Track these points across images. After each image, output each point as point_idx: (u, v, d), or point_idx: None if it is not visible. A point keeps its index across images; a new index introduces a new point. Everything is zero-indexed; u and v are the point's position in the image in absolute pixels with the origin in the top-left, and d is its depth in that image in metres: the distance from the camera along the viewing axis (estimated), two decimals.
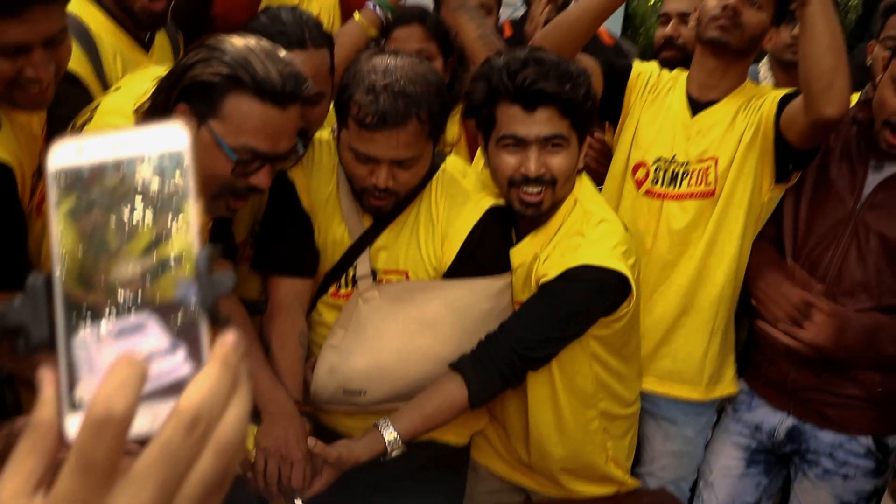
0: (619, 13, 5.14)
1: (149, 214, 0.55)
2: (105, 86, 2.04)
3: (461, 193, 1.99)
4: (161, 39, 2.31)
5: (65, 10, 1.67)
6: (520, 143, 1.89)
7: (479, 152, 2.15)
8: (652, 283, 2.28)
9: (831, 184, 2.23)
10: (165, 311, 0.55)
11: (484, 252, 1.96)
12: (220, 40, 1.65)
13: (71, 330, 0.55)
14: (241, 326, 1.88)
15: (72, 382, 0.54)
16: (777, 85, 2.91)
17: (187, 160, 0.56)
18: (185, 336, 0.55)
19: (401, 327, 1.95)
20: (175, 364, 0.54)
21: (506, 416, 2.11)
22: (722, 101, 2.28)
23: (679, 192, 2.28)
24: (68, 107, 1.84)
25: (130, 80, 1.90)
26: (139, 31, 2.19)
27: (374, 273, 1.98)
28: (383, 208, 1.91)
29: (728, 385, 2.36)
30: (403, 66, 1.81)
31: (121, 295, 0.55)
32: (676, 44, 2.80)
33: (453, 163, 2.06)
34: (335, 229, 2.01)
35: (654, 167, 2.31)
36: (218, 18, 2.52)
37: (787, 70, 2.92)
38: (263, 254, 2.05)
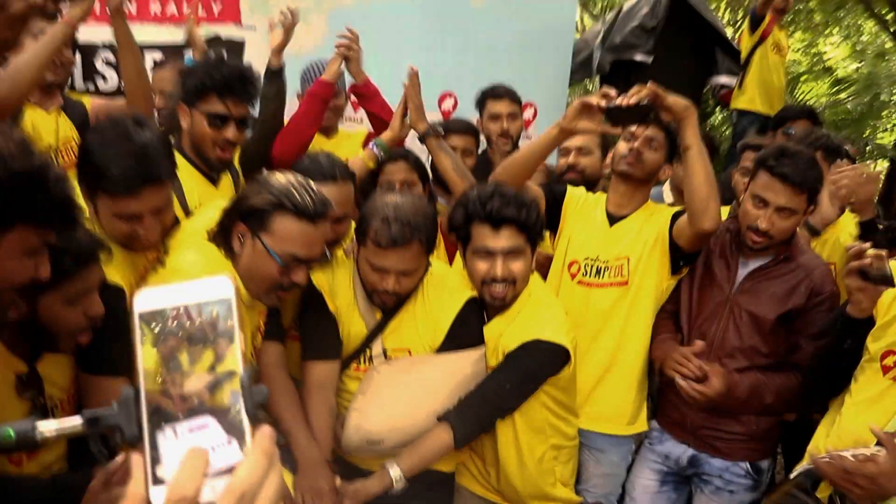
0: None
1: (209, 344, 0.66)
2: (186, 211, 2.43)
3: (446, 289, 2.39)
4: (226, 177, 2.72)
5: (171, 186, 2.03)
6: (489, 254, 2.31)
7: (457, 254, 2.57)
8: (583, 349, 2.72)
9: (713, 275, 2.69)
10: (222, 413, 0.66)
11: (464, 332, 2.36)
12: (268, 176, 2.05)
13: (154, 427, 0.66)
14: (287, 392, 2.28)
15: (155, 465, 0.64)
16: (674, 203, 3.49)
17: (234, 303, 0.68)
18: (236, 431, 0.66)
19: (407, 390, 2.30)
20: (230, 453, 0.65)
21: (482, 450, 2.50)
22: (631, 215, 2.79)
23: (601, 282, 2.79)
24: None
25: (202, 210, 2.31)
26: (210, 171, 2.60)
27: (384, 352, 2.36)
28: (389, 304, 2.31)
29: (642, 424, 2.85)
30: (407, 202, 2.22)
31: (191, 401, 0.66)
32: (576, 170, 3.39)
33: (438, 266, 2.46)
34: (355, 324, 2.38)
35: (583, 263, 2.82)
36: (275, 159, 3.03)
37: (681, 195, 3.51)
38: (305, 345, 2.38)
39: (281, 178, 2.03)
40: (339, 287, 2.42)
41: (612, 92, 2.44)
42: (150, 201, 1.95)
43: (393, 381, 2.34)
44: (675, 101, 2.44)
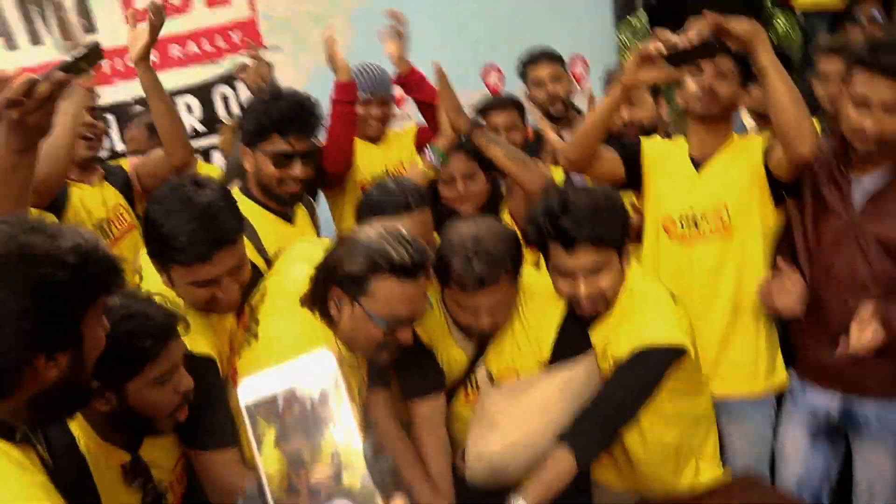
0: None
1: (325, 427, 0.66)
2: (265, 258, 2.34)
3: (541, 301, 2.24)
4: (301, 211, 2.66)
5: (243, 243, 1.95)
6: (568, 273, 2.13)
7: None
8: (700, 311, 2.53)
9: (826, 203, 2.44)
10: (353, 494, 0.66)
11: (570, 343, 2.22)
12: (357, 234, 1.93)
13: None
14: (404, 446, 2.21)
15: None
16: (756, 128, 3.23)
17: (340, 377, 0.67)
18: None
19: (522, 413, 2.19)
20: None
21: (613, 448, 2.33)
22: (717, 156, 2.57)
23: (703, 234, 2.58)
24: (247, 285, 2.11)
25: (286, 263, 2.18)
26: (282, 207, 2.53)
27: (490, 376, 2.24)
28: (487, 335, 2.20)
29: (781, 373, 2.63)
30: (486, 234, 2.06)
31: (322, 493, 0.66)
32: (634, 125, 3.09)
33: (528, 276, 2.27)
34: (453, 353, 2.27)
35: (678, 218, 2.60)
36: (327, 175, 3.01)
37: (762, 119, 3.22)
38: (404, 386, 2.28)
39: (372, 234, 1.91)
40: (428, 321, 2.27)
41: (669, 35, 2.25)
42: (224, 264, 1.88)
43: (508, 405, 2.23)
44: (740, 23, 2.22)
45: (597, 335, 2.25)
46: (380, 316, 1.89)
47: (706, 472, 2.38)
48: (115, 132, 3.92)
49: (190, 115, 4.06)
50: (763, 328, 2.63)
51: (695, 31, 2.19)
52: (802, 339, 2.57)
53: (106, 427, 1.70)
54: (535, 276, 2.33)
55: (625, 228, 2.20)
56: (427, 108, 3.26)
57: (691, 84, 2.54)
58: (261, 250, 2.39)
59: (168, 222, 1.84)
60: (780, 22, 5.32)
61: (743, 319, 2.61)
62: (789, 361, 2.68)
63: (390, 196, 2.32)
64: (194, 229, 1.82)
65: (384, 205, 2.27)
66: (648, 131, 3.05)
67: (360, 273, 1.87)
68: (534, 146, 3.56)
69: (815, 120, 2.73)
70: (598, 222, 2.09)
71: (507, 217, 2.98)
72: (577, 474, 2.27)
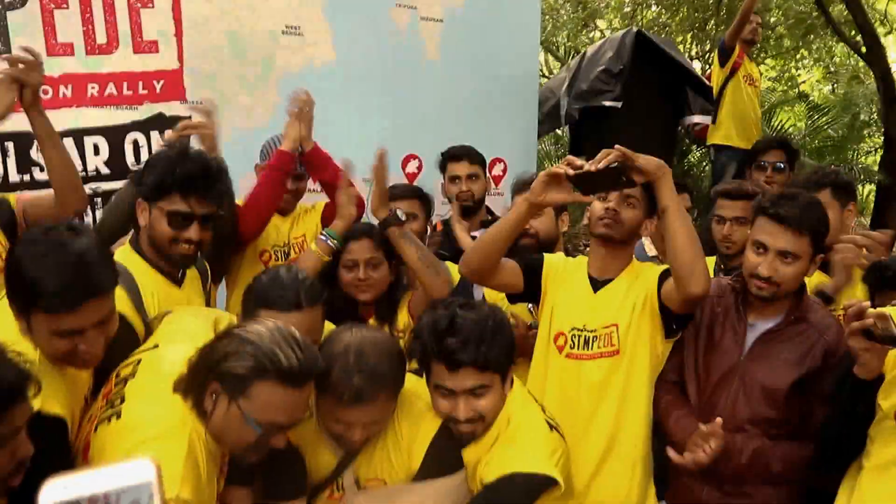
0: None
1: None
2: (144, 318, 2.22)
3: (417, 415, 2.16)
4: (191, 273, 2.55)
5: (113, 296, 1.83)
6: (449, 392, 2.08)
7: None
8: (580, 430, 2.52)
9: (719, 340, 2.49)
10: None
11: (440, 459, 2.13)
12: (248, 331, 1.79)
13: None
14: None
15: None
16: (658, 255, 3.32)
17: (156, 490, 0.63)
18: None
19: None
20: None
21: None
22: (615, 279, 2.59)
23: (591, 353, 2.57)
24: (115, 341, 1.95)
25: (166, 337, 2.06)
26: (171, 268, 2.44)
27: (357, 482, 2.16)
28: (358, 447, 2.10)
29: None
30: (369, 347, 1.98)
31: None
32: (530, 234, 3.11)
33: (409, 385, 2.18)
34: (321, 454, 2.17)
35: (570, 335, 2.60)
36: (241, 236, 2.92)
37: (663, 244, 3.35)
38: (262, 488, 2.13)
39: (264, 334, 1.79)
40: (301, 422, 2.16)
41: (578, 161, 2.29)
42: (91, 315, 1.77)
43: None
44: (647, 160, 2.30)
45: (469, 454, 2.18)
46: (257, 420, 1.77)
47: None
48: (11, 161, 3.73)
49: (96, 156, 3.91)
50: (640, 458, 2.61)
51: (603, 158, 2.24)
52: (676, 472, 2.55)
53: None
54: (415, 387, 2.24)
55: (510, 353, 2.15)
56: (332, 190, 3.22)
57: (597, 205, 2.58)
58: (140, 308, 2.27)
59: (37, 266, 1.73)
60: (694, 153, 5.60)
61: (621, 447, 2.59)
62: (661, 491, 2.66)
63: (282, 291, 2.22)
64: (65, 276, 1.72)
65: (274, 299, 2.18)
66: (545, 243, 3.07)
67: (244, 374, 1.76)
68: (441, 237, 3.58)
69: (710, 260, 2.84)
70: (483, 346, 2.04)
71: (404, 312, 2.93)
72: None
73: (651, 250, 3.51)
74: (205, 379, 1.80)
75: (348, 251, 2.84)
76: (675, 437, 2.48)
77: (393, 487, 2.16)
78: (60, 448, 1.78)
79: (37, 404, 1.65)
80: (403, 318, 2.85)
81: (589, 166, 2.26)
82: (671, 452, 2.37)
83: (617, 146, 2.26)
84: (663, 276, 2.51)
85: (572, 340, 2.62)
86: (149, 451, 1.67)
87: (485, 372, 2.06)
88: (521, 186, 3.31)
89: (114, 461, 1.73)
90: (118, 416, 1.81)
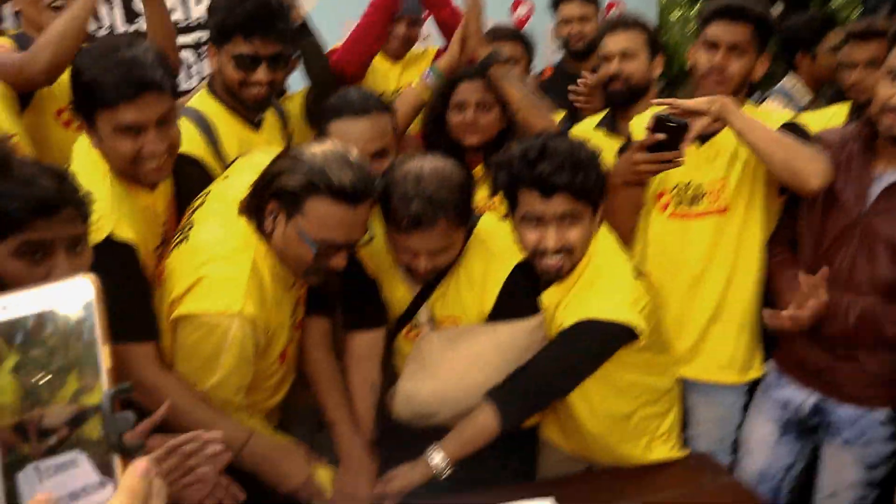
0: None
1: (72, 363, 0.58)
2: (223, 164, 2.27)
3: (491, 254, 2.14)
4: (270, 117, 2.55)
5: (172, 96, 1.91)
6: (539, 221, 2.05)
7: None
8: (687, 291, 2.44)
9: (838, 193, 2.28)
10: (92, 448, 0.58)
11: (515, 301, 2.12)
12: (302, 150, 1.85)
13: (12, 469, 0.58)
14: (331, 376, 2.17)
15: None
16: (811, 102, 3.03)
17: (95, 310, 0.59)
18: (108, 469, 0.58)
19: (457, 362, 2.14)
20: (103, 496, 0.58)
21: (560, 411, 2.26)
22: (723, 130, 2.37)
23: (698, 211, 2.43)
24: (191, 184, 2.11)
25: (237, 170, 2.11)
26: (249, 112, 2.43)
27: (431, 320, 2.18)
28: (427, 278, 2.11)
29: (757, 370, 2.53)
30: (430, 174, 1.96)
31: (53, 438, 0.58)
32: (621, 78, 2.82)
33: (485, 224, 2.20)
34: (398, 289, 2.21)
35: (674, 193, 2.46)
36: (341, 74, 2.83)
37: (815, 82, 3.07)
38: (344, 316, 2.26)
39: (317, 152, 1.82)
40: (376, 252, 2.20)
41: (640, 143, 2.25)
42: (150, 110, 1.84)
43: (443, 351, 2.16)
44: (696, 103, 2.20)
45: (548, 298, 2.15)
46: (312, 237, 1.82)
47: (658, 450, 2.29)
48: (119, 11, 3.73)
49: (198, 5, 3.87)
50: (748, 322, 2.51)
51: (651, 135, 2.19)
52: (786, 333, 2.42)
53: None
54: (490, 226, 2.23)
55: (602, 185, 2.08)
56: (449, 31, 3.03)
57: (702, 56, 2.38)
58: (218, 154, 2.30)
59: (94, 66, 1.81)
60: None
61: (729, 310, 2.49)
62: (769, 350, 2.57)
63: (349, 100, 2.24)
64: (121, 69, 1.79)
65: (343, 107, 2.21)
66: (636, 88, 2.83)
67: (298, 190, 1.80)
68: (549, 84, 3.42)
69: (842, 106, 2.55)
70: (579, 171, 1.99)
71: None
72: (523, 431, 2.28)
73: (799, 92, 3.13)
74: (264, 198, 1.86)
75: (457, 92, 2.70)
76: (783, 298, 2.34)
77: (466, 327, 2.16)
78: (132, 273, 1.86)
79: (107, 229, 1.77)
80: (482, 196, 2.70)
81: (645, 141, 2.19)
82: (767, 314, 2.25)
83: (669, 101, 2.20)
84: (786, 129, 2.30)
85: (677, 198, 2.48)
86: (213, 270, 1.80)
87: (578, 200, 2.01)
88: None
89: (180, 282, 1.81)
90: (186, 239, 1.91)
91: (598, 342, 2.06)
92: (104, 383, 0.58)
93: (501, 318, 2.13)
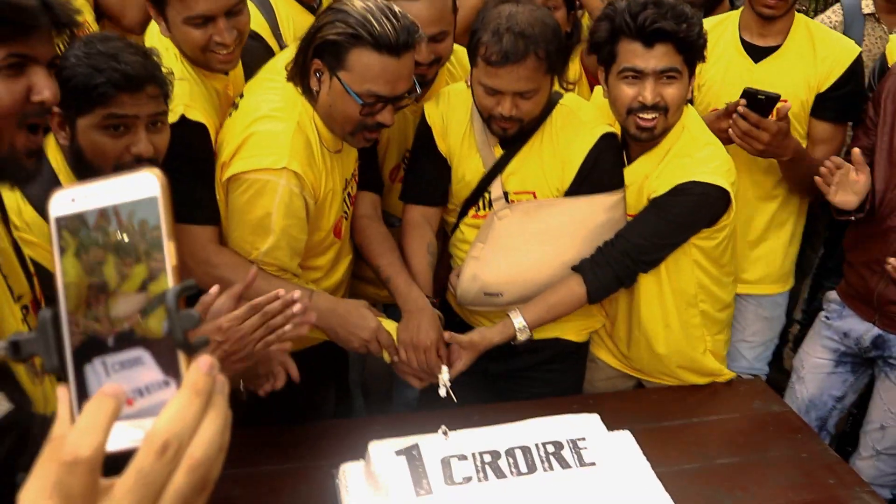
0: None
1: (140, 255, 0.57)
2: (280, 44, 2.28)
3: (577, 123, 2.09)
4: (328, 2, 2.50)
5: None
6: (638, 75, 1.98)
7: (596, 89, 2.27)
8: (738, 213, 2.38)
9: None
10: (156, 345, 0.57)
11: (598, 172, 2.08)
12: (344, 3, 1.83)
13: (81, 358, 0.58)
14: (384, 239, 2.19)
15: (82, 402, 0.56)
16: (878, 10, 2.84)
17: (162, 204, 0.58)
18: (171, 367, 0.57)
19: (530, 238, 2.12)
20: (168, 394, 0.56)
21: (618, 312, 2.27)
22: (782, 46, 2.30)
23: None
24: (253, 58, 2.12)
25: (291, 49, 2.07)
26: None
27: (505, 195, 2.12)
28: (509, 131, 2.03)
29: (792, 280, 2.66)
30: (523, 12, 1.93)
31: (121, 328, 0.57)
32: None
33: (571, 98, 2.17)
34: (472, 161, 2.15)
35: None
36: None
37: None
38: (405, 187, 2.27)
39: (358, 5, 1.81)
40: (453, 120, 2.17)
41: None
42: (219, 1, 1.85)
43: (516, 228, 2.13)
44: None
45: (635, 172, 2.12)
46: (357, 91, 1.82)
47: (712, 363, 2.28)
48: None
49: None
50: (799, 231, 2.58)
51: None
52: (854, 263, 2.41)
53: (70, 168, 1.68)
54: (576, 100, 2.19)
55: (702, 45, 2.01)
56: None
57: None
58: (276, 34, 2.30)
59: None
60: None
61: (785, 224, 2.55)
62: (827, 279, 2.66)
63: None
64: None
65: None
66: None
67: (339, 41, 1.80)
68: None
69: None
70: (683, 22, 1.94)
71: (576, 63, 2.69)
72: (572, 348, 2.30)
73: (867, 6, 2.95)
74: (308, 57, 1.86)
75: None
76: None
77: (542, 201, 2.13)
78: (204, 156, 1.92)
79: (180, 110, 1.83)
80: (574, 69, 2.63)
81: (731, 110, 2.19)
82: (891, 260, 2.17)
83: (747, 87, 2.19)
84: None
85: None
86: (258, 128, 1.84)
87: (679, 54, 1.96)
88: None
89: (229, 146, 1.84)
90: (236, 108, 1.96)
91: (696, 204, 2.03)
92: (169, 280, 0.57)
93: (583, 189, 2.09)
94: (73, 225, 0.58)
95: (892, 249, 2.20)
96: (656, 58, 1.95)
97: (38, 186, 1.56)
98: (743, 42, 2.43)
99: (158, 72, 1.62)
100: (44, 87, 1.11)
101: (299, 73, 1.92)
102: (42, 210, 1.58)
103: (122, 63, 1.53)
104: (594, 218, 2.10)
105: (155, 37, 1.97)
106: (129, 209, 0.57)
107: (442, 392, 1.98)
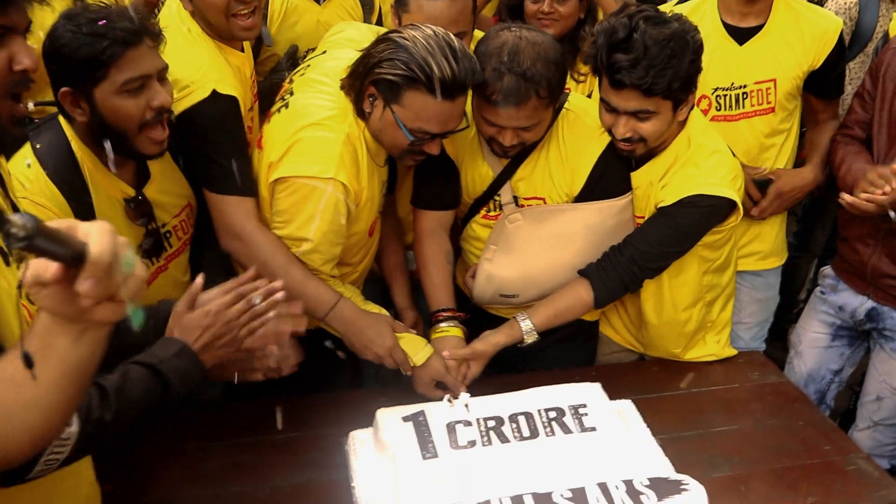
0: None
1: None
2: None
3: (584, 129, 2.09)
4: None
5: None
6: (612, 109, 1.97)
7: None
8: None
9: None
10: None
11: (607, 180, 2.10)
12: (404, 37, 1.81)
13: None
14: (394, 251, 2.28)
15: None
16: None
17: None
18: None
19: (542, 243, 2.14)
20: None
21: (624, 300, 2.29)
22: (766, 25, 2.30)
23: (744, 112, 2.40)
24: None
25: (333, 44, 2.15)
26: None
27: (515, 199, 2.15)
28: (510, 153, 2.05)
29: (784, 254, 2.70)
30: (526, 49, 1.88)
31: None
32: None
33: (576, 102, 2.16)
34: (480, 167, 2.17)
35: (714, 97, 2.40)
36: None
37: None
38: (415, 193, 2.26)
39: (419, 41, 1.79)
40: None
41: None
42: None
43: (527, 232, 2.17)
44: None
45: (641, 177, 2.13)
46: (409, 127, 1.84)
47: (712, 347, 2.33)
48: None
49: None
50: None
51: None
52: (848, 238, 2.44)
53: (94, 144, 1.74)
54: (582, 103, 2.19)
55: (687, 80, 1.94)
56: None
57: None
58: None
59: None
60: None
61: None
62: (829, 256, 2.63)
63: None
64: None
65: None
66: None
67: (397, 81, 1.80)
68: None
69: None
70: (653, 70, 1.87)
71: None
72: (584, 326, 2.33)
73: None
74: (363, 83, 1.88)
75: None
76: (855, 186, 2.23)
77: (553, 206, 2.16)
78: (235, 126, 1.98)
79: (211, 85, 1.91)
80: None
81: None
82: (845, 196, 2.16)
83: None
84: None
85: (717, 102, 2.42)
86: (309, 133, 1.87)
87: (650, 97, 1.90)
88: None
89: (277, 146, 1.89)
90: (286, 106, 1.98)
91: (702, 216, 2.05)
92: None
93: (593, 196, 2.11)
94: None
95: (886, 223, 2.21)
96: (625, 100, 1.92)
97: (53, 158, 1.67)
98: (724, 24, 2.41)
99: (148, 23, 1.72)
100: (24, 56, 1.14)
101: (353, 92, 1.92)
102: (57, 180, 1.67)
103: (115, 22, 1.62)
104: (603, 223, 2.14)
105: (173, 16, 2.02)
106: None
107: (462, 410, 1.92)
